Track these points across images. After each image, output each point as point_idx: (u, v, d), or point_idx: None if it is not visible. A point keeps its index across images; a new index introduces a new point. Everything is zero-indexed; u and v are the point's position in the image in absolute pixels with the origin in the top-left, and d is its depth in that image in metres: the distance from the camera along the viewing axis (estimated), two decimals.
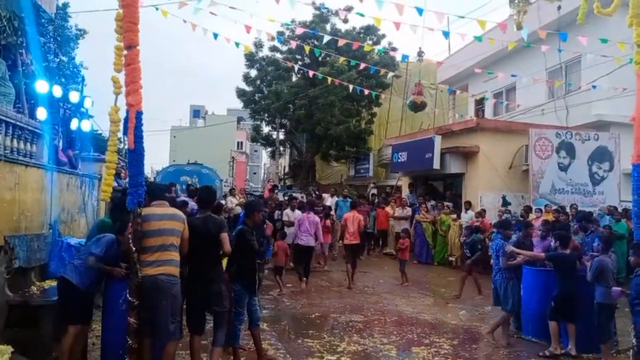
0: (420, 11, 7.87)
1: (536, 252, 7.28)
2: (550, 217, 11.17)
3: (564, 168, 13.57)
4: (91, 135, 10.82)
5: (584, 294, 6.16)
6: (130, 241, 4.40)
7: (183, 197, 11.43)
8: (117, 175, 8.73)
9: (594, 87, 12.29)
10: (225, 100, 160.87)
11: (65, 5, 21.74)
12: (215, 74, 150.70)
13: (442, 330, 7.23)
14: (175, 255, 4.61)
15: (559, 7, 13.75)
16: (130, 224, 4.49)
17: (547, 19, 14.43)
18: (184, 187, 13.66)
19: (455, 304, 8.99)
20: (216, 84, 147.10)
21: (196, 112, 70.51)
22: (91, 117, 10.01)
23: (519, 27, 5.81)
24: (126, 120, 4.73)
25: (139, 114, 4.61)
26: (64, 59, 22.42)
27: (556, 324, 6.26)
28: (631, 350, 5.47)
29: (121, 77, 4.79)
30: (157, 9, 8.03)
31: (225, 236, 4.89)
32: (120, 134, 5.93)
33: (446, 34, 9.03)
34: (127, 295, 4.42)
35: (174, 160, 43.65)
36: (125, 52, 4.71)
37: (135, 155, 4.61)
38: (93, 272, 4.87)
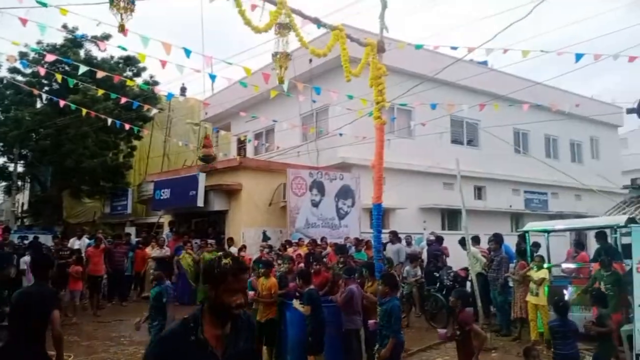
0: (188, 53, 7.77)
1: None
2: (304, 250, 12.04)
3: (315, 204, 14.89)
4: None
5: (330, 323, 6.67)
6: None
7: None
8: None
9: (340, 134, 13.92)
10: None
11: None
12: None
13: None
14: None
15: (310, 60, 15.38)
16: None
17: (301, 69, 15.93)
18: None
19: None
20: None
21: None
22: None
23: (281, 82, 6.22)
24: None
25: None
26: None
27: (313, 358, 6.59)
28: None
29: None
30: None
31: (57, 314, 3.99)
32: None
33: (213, 77, 9.10)
34: None
35: None
36: None
37: None
38: None
